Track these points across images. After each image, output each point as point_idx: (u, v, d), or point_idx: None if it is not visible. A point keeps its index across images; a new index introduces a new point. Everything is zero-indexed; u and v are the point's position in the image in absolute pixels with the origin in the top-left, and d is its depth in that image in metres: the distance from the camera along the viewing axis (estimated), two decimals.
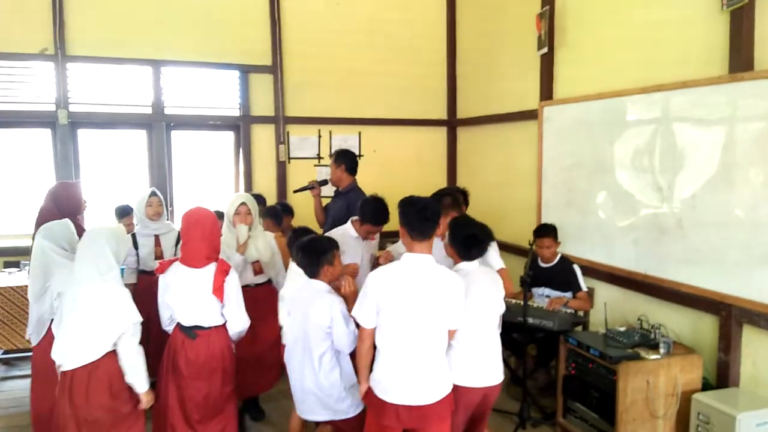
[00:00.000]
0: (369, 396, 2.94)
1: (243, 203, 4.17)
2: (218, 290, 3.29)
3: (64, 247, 3.52)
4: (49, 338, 3.36)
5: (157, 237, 4.50)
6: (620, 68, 4.56)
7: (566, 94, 5.16)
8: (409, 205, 2.97)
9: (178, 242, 4.56)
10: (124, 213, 5.34)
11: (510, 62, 6.01)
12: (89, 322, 3.01)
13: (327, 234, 3.97)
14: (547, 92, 5.36)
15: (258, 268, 4.23)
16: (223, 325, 3.41)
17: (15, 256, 5.51)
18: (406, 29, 6.83)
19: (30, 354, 5.26)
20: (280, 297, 3.69)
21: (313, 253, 3.27)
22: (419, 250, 2.91)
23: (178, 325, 3.39)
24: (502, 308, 3.34)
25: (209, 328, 3.36)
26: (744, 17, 3.61)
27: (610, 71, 4.66)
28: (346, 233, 4.05)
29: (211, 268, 3.33)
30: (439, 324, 2.89)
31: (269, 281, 4.34)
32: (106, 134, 6.22)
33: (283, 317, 3.53)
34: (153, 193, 4.52)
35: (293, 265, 3.58)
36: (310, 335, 3.18)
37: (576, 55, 5.08)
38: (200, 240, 3.32)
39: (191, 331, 3.33)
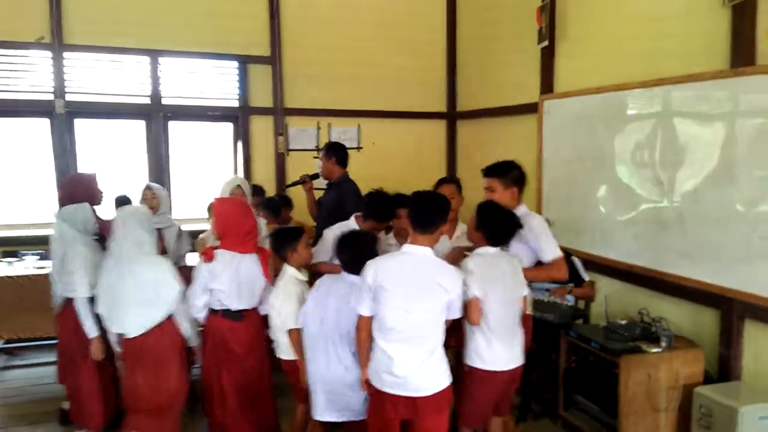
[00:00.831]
0: (370, 387, 2.98)
1: (238, 186, 4.30)
2: (267, 273, 3.58)
3: (78, 229, 3.77)
4: (64, 313, 3.79)
5: (159, 231, 4.33)
6: (621, 62, 4.56)
7: (567, 88, 5.16)
8: (417, 197, 3.02)
9: (179, 236, 4.60)
10: (122, 203, 5.29)
11: (510, 55, 6.00)
12: (144, 293, 3.39)
13: (326, 231, 4.00)
14: (547, 85, 5.36)
15: None
16: (257, 308, 3.66)
17: (14, 246, 5.48)
18: (407, 21, 6.80)
19: (31, 344, 5.36)
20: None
21: (280, 238, 3.57)
22: (420, 243, 2.92)
23: (221, 311, 3.52)
24: (526, 291, 3.34)
25: (252, 309, 3.61)
26: (746, 11, 3.62)
27: (611, 65, 4.66)
28: (348, 228, 4.04)
29: (255, 253, 3.56)
30: (435, 316, 2.90)
31: None
32: (104, 124, 6.17)
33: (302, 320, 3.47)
34: (147, 187, 4.51)
35: (289, 268, 3.57)
36: (344, 330, 3.17)
37: (577, 49, 5.08)
38: (247, 228, 3.52)
39: (238, 314, 3.52)
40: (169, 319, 3.50)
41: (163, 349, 3.48)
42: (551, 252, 3.46)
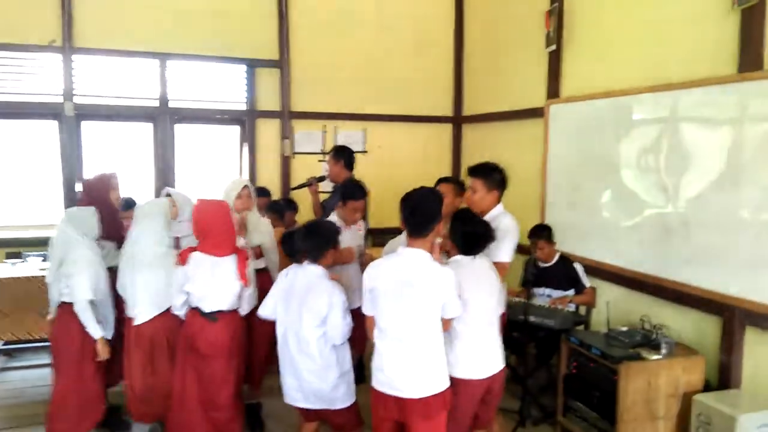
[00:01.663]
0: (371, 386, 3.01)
1: (245, 186, 4.24)
2: (244, 276, 3.52)
3: (86, 233, 3.77)
4: (59, 317, 3.77)
5: (176, 240, 4.22)
6: (628, 67, 4.53)
7: (573, 93, 5.13)
8: (404, 201, 2.99)
9: None
10: (127, 206, 5.32)
11: (517, 59, 5.98)
12: (154, 282, 3.60)
13: None
14: (554, 90, 5.33)
15: (259, 252, 4.24)
16: (236, 309, 3.61)
17: (17, 247, 5.53)
18: (413, 25, 6.80)
19: (31, 345, 5.39)
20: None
21: (321, 235, 3.38)
22: (415, 245, 2.93)
23: (197, 310, 3.51)
24: (503, 294, 3.33)
25: (229, 311, 3.54)
26: (754, 16, 3.57)
27: (618, 70, 4.63)
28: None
29: (233, 255, 3.52)
30: (427, 318, 2.88)
31: (266, 269, 4.34)
32: (112, 127, 6.23)
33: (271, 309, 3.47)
34: (167, 194, 4.28)
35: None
36: (305, 322, 3.19)
37: (584, 53, 5.05)
38: (225, 232, 3.51)
39: (213, 315, 3.49)
40: (168, 313, 3.65)
41: (158, 340, 3.68)
42: (502, 255, 3.48)
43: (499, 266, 3.40)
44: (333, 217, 4.28)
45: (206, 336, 3.48)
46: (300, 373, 3.26)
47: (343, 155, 4.95)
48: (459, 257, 3.21)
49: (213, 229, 3.49)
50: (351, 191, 4.25)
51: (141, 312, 3.66)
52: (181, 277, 3.49)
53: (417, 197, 2.98)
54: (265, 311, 3.40)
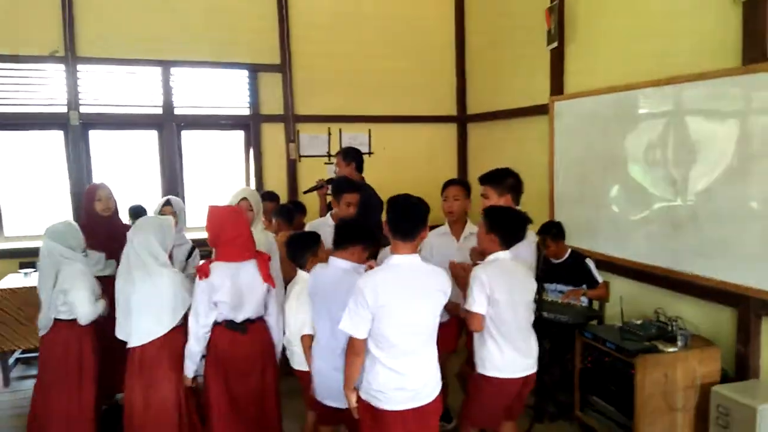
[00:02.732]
0: (366, 410, 2.82)
1: (244, 198, 4.09)
2: (268, 277, 3.45)
3: (72, 246, 3.73)
4: (53, 334, 3.72)
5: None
6: (631, 61, 4.55)
7: (577, 89, 5.15)
8: (394, 203, 2.87)
9: (190, 256, 4.42)
10: (137, 213, 5.34)
11: (519, 57, 5.99)
12: (145, 307, 3.39)
13: (307, 227, 4.12)
14: (557, 87, 5.35)
15: None
16: (263, 317, 3.54)
17: (30, 257, 5.53)
18: (415, 26, 6.83)
19: None
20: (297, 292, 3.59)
21: (297, 244, 3.54)
22: (404, 251, 2.80)
23: (224, 323, 3.39)
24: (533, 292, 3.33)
25: (256, 320, 3.48)
26: (757, 8, 3.59)
27: (621, 64, 4.65)
28: (324, 223, 4.16)
29: (253, 260, 3.46)
30: (434, 323, 2.86)
31: None
32: (118, 135, 6.25)
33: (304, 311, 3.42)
34: (167, 202, 4.33)
35: (304, 274, 3.53)
36: (334, 318, 3.00)
37: (586, 49, 5.06)
38: (240, 236, 3.42)
39: (242, 326, 3.41)
40: (175, 332, 3.46)
41: (161, 361, 3.43)
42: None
43: None
44: (326, 217, 4.23)
45: (240, 350, 3.41)
46: (331, 373, 3.13)
47: (354, 157, 4.90)
48: (498, 254, 3.20)
49: (228, 235, 3.40)
50: (341, 185, 4.19)
51: (137, 336, 3.43)
52: (206, 291, 3.33)
53: (406, 200, 2.88)
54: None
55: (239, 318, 3.41)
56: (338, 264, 3.15)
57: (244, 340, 3.41)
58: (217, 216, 3.47)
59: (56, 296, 3.66)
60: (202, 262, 3.53)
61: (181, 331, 3.48)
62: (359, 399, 2.85)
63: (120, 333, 3.49)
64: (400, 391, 2.74)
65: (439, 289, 2.84)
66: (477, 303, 3.10)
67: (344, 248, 3.17)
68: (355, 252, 3.17)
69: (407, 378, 2.75)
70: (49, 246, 3.70)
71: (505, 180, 3.67)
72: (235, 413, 3.44)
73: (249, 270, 3.42)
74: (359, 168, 4.92)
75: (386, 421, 2.76)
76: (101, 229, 4.10)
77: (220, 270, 3.35)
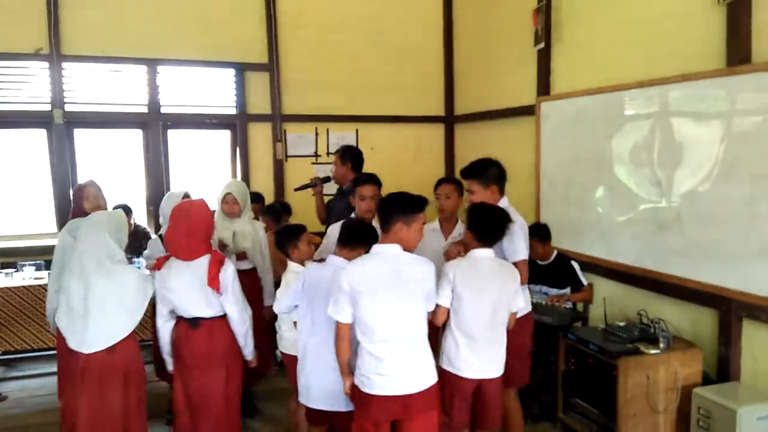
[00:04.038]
0: (355, 394, 2.92)
1: (228, 194, 4.21)
2: (213, 281, 3.29)
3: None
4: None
5: None
6: (617, 63, 4.55)
7: (563, 90, 5.15)
8: (383, 199, 3.13)
9: None
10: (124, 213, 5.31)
11: (507, 58, 5.99)
12: (105, 308, 3.20)
13: (330, 228, 3.96)
14: (544, 88, 5.35)
15: (241, 254, 4.26)
16: (224, 317, 3.41)
17: (12, 257, 5.49)
18: (403, 26, 6.80)
19: (28, 355, 5.36)
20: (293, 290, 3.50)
21: (282, 234, 3.64)
22: (385, 241, 2.95)
23: (180, 317, 3.41)
24: (520, 299, 3.29)
25: (211, 318, 3.37)
26: (741, 10, 3.60)
27: (608, 66, 4.65)
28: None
29: (205, 259, 3.33)
30: (419, 311, 2.89)
31: (254, 269, 4.35)
32: (102, 134, 6.20)
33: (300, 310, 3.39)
34: (186, 195, 4.25)
35: (293, 264, 3.59)
36: (325, 314, 3.04)
37: (573, 50, 5.07)
38: (185, 234, 3.33)
39: (193, 322, 3.36)
40: (127, 339, 3.28)
41: (112, 371, 3.24)
42: (519, 253, 3.42)
43: (520, 265, 3.36)
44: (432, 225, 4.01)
45: (191, 345, 3.36)
46: (326, 369, 3.12)
47: (351, 157, 4.73)
48: (476, 251, 3.20)
49: (175, 232, 3.37)
50: (357, 180, 4.06)
51: (90, 342, 3.21)
52: (158, 283, 3.36)
53: (388, 195, 3.09)
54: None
55: (187, 315, 3.38)
56: (335, 262, 3.16)
57: (197, 336, 3.36)
58: (173, 213, 3.44)
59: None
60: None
61: (134, 336, 3.35)
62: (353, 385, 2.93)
63: (72, 342, 3.24)
64: (379, 377, 2.81)
65: (419, 277, 2.88)
66: (441, 296, 3.11)
67: (350, 247, 3.20)
68: (358, 253, 3.15)
69: (385, 363, 2.81)
70: (65, 240, 3.69)
71: (488, 170, 3.59)
72: (190, 408, 3.43)
73: (199, 270, 3.31)
74: (356, 168, 4.73)
75: (369, 406, 2.84)
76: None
77: (170, 265, 3.37)
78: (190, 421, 3.44)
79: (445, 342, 3.20)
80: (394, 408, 2.83)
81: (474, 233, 3.23)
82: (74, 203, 4.13)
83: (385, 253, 2.90)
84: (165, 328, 3.45)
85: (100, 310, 3.20)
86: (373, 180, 3.99)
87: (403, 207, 2.93)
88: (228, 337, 3.43)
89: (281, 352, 3.68)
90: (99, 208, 4.11)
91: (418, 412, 2.85)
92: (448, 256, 3.46)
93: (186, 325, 3.38)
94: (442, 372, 3.15)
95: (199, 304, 3.35)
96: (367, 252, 3.06)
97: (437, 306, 3.12)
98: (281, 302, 3.40)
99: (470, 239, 3.26)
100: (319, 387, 3.17)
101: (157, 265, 3.41)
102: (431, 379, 2.90)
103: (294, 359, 3.39)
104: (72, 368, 3.25)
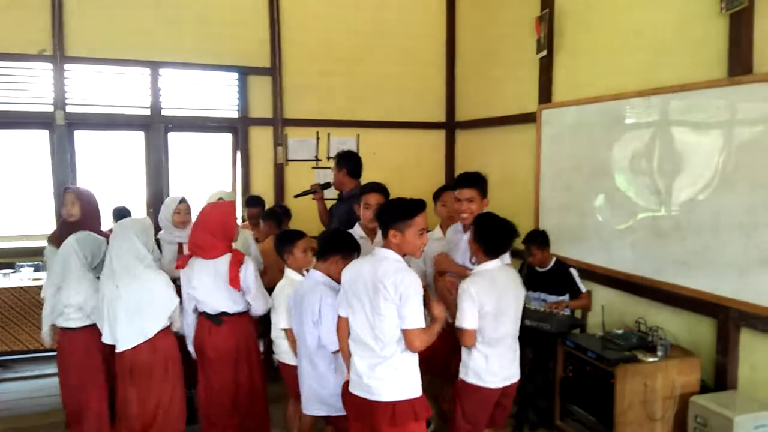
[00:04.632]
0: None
1: (220, 198, 4.28)
2: (234, 281, 3.50)
3: (86, 256, 3.73)
4: (66, 337, 3.73)
5: (180, 245, 4.26)
6: (619, 71, 4.57)
7: (565, 97, 5.16)
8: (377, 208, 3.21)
9: None
10: (121, 215, 5.29)
11: (509, 65, 6.01)
12: (137, 307, 3.41)
13: None
14: (545, 95, 5.36)
15: None
16: (247, 312, 3.65)
17: (10, 258, 5.49)
18: (406, 32, 6.82)
19: (25, 356, 5.35)
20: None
21: (279, 241, 3.65)
22: (384, 247, 2.97)
23: (204, 313, 3.59)
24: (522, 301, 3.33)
25: (234, 314, 3.58)
26: (743, 20, 3.61)
27: (609, 74, 4.67)
28: (354, 235, 4.05)
29: (226, 258, 3.52)
30: (385, 319, 2.80)
31: None
32: (104, 135, 6.21)
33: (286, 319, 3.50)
34: (182, 200, 4.29)
35: (288, 271, 3.64)
36: (305, 327, 3.22)
37: (575, 58, 5.08)
38: (203, 232, 3.55)
39: (217, 318, 3.55)
40: (163, 333, 3.53)
41: (155, 364, 3.49)
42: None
43: None
44: (355, 229, 3.99)
45: (212, 340, 3.55)
46: (304, 379, 3.30)
47: (346, 162, 4.68)
48: (485, 265, 3.20)
49: (197, 231, 3.59)
50: (364, 189, 4.07)
51: (127, 339, 3.47)
52: (183, 281, 3.56)
53: (380, 205, 3.26)
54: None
55: (211, 311, 3.57)
56: (314, 276, 3.29)
57: (218, 332, 3.55)
58: (200, 213, 3.67)
59: (68, 305, 3.67)
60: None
61: (169, 331, 3.58)
62: None
63: (107, 338, 3.52)
64: (353, 374, 2.94)
65: (384, 287, 2.80)
66: (468, 319, 3.09)
67: (322, 259, 3.30)
68: (334, 261, 3.27)
69: (353, 363, 2.93)
70: (72, 246, 3.71)
71: (483, 182, 3.69)
72: (209, 405, 3.61)
73: (220, 268, 3.52)
74: (352, 174, 4.69)
75: (345, 403, 3.03)
76: (65, 234, 3.93)
77: (194, 264, 3.57)
78: (215, 413, 3.59)
79: (470, 357, 3.17)
80: (363, 410, 2.87)
81: (482, 246, 3.21)
82: (95, 212, 4.20)
83: (375, 256, 2.92)
84: (191, 326, 3.66)
85: (128, 313, 3.42)
86: (379, 189, 3.98)
87: (393, 214, 2.93)
88: (247, 333, 3.65)
89: (277, 360, 3.69)
90: (72, 216, 4.09)
91: (385, 424, 2.80)
92: (441, 289, 3.54)
93: (208, 322, 3.56)
94: (463, 384, 3.19)
95: (222, 301, 3.54)
96: (345, 258, 3.21)
97: (465, 330, 3.08)
98: (281, 316, 3.49)
99: (477, 251, 3.25)
100: (308, 394, 3.28)
101: (180, 264, 3.60)
102: (401, 393, 2.83)
103: (289, 367, 3.52)
104: (119, 367, 3.52)
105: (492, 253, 3.22)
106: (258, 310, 3.66)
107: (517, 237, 3.32)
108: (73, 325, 3.69)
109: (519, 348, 3.31)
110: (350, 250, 3.33)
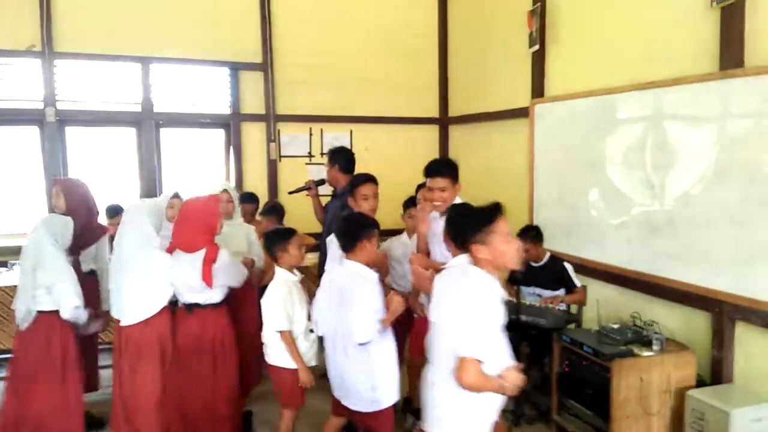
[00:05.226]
0: None
1: (225, 190, 4.26)
2: (206, 277, 3.46)
3: (56, 238, 3.67)
4: (35, 326, 3.62)
5: None
6: (611, 65, 4.57)
7: (558, 92, 5.16)
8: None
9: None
10: (114, 212, 5.26)
11: (501, 60, 6.00)
12: (140, 284, 3.49)
13: (328, 239, 3.86)
14: (538, 90, 5.36)
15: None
16: (221, 306, 3.63)
17: (3, 256, 5.44)
18: (398, 27, 6.81)
19: None
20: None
21: (271, 239, 3.59)
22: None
23: (179, 303, 3.63)
24: None
25: (205, 306, 3.56)
26: (734, 14, 3.62)
27: (602, 68, 4.67)
28: (401, 241, 4.15)
29: (202, 253, 3.48)
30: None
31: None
32: (95, 132, 6.16)
33: (318, 308, 3.43)
34: (175, 195, 4.22)
35: (281, 271, 3.59)
36: (344, 317, 3.17)
37: (567, 53, 5.08)
38: (184, 226, 3.55)
39: (189, 307, 3.57)
40: (161, 315, 3.55)
41: (148, 342, 3.53)
42: None
43: None
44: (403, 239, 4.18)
45: (184, 329, 3.57)
46: (338, 370, 3.29)
47: (338, 159, 4.67)
48: (456, 259, 3.01)
49: (178, 224, 3.60)
50: (357, 180, 4.09)
51: (127, 315, 3.54)
52: (167, 267, 3.55)
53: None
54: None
55: (185, 300, 3.59)
56: (349, 266, 3.25)
57: (191, 320, 3.56)
58: (182, 206, 3.68)
59: (38, 287, 3.58)
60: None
61: (167, 312, 3.59)
62: None
63: (114, 312, 3.61)
64: None
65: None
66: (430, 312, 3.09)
67: (350, 250, 3.25)
68: (361, 248, 3.22)
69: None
70: (37, 232, 3.66)
71: (454, 168, 3.66)
72: (181, 393, 3.59)
73: (196, 262, 3.48)
74: (345, 169, 4.65)
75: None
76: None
77: (176, 253, 3.57)
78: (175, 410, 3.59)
79: None
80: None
81: (451, 237, 2.93)
82: (81, 199, 4.07)
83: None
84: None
85: (129, 290, 3.50)
86: (372, 179, 4.05)
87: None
88: (220, 327, 3.61)
89: (268, 365, 3.59)
90: (58, 209, 4.03)
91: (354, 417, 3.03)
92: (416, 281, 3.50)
93: (183, 310, 3.58)
94: None
95: (194, 293, 3.53)
96: (368, 240, 3.25)
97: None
98: (280, 318, 3.44)
99: (449, 243, 3.03)
100: (342, 387, 3.33)
101: (170, 250, 3.61)
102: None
103: (278, 370, 3.51)
104: (116, 340, 3.61)
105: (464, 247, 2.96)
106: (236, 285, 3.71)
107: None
108: (42, 308, 3.60)
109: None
110: (370, 230, 3.25)
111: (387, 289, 2.97)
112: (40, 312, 3.61)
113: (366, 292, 3.11)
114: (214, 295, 3.57)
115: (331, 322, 3.27)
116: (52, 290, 3.57)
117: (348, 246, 3.23)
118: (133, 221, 3.59)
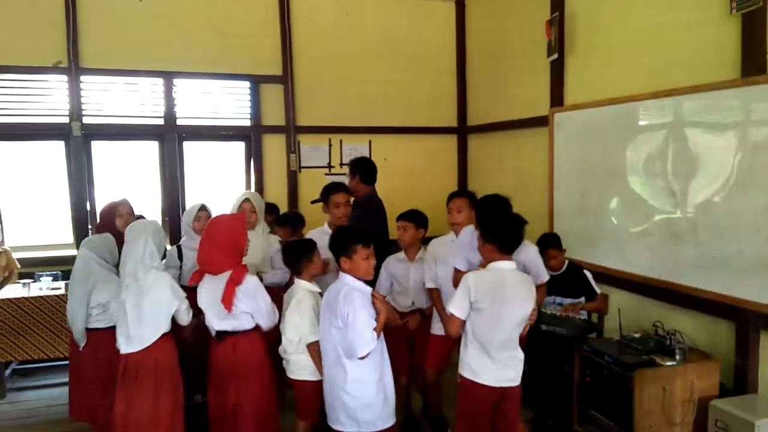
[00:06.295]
0: None
1: (247, 200, 4.23)
2: (226, 300, 3.30)
3: (106, 258, 3.74)
4: (89, 345, 3.69)
5: None
6: (631, 73, 4.55)
7: (577, 100, 5.15)
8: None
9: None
10: None
11: (520, 69, 6.00)
12: (139, 312, 3.33)
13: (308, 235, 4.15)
14: (557, 98, 5.35)
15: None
16: (254, 332, 3.44)
17: (30, 268, 5.55)
18: (416, 37, 6.85)
19: (44, 365, 5.39)
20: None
21: (291, 251, 3.56)
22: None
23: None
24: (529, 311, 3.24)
25: (234, 333, 3.40)
26: (755, 21, 3.59)
27: (621, 76, 4.65)
28: (323, 231, 4.17)
29: (226, 273, 3.34)
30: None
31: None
32: (119, 146, 6.27)
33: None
34: (202, 207, 4.30)
35: (303, 282, 3.55)
36: (336, 332, 3.12)
37: (586, 61, 5.07)
38: (209, 247, 3.40)
39: (219, 335, 3.42)
40: (162, 340, 3.40)
41: (150, 370, 3.36)
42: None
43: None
44: (324, 227, 4.29)
45: (216, 355, 3.44)
46: (335, 390, 3.17)
47: (359, 169, 4.76)
48: (498, 264, 3.15)
49: (202, 244, 3.45)
50: (327, 189, 4.41)
51: (123, 342, 3.40)
52: (198, 294, 3.49)
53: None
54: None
55: (214, 327, 3.45)
56: (344, 280, 3.19)
57: (221, 347, 3.42)
58: (207, 225, 3.59)
59: (88, 307, 3.65)
60: None
61: (170, 338, 3.45)
62: None
63: (119, 341, 3.43)
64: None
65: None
66: (455, 304, 3.13)
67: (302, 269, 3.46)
68: (355, 257, 3.16)
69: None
70: (85, 254, 3.71)
71: (475, 196, 3.98)
72: (216, 419, 3.49)
73: (219, 285, 3.35)
74: (365, 180, 4.75)
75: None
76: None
77: (204, 278, 3.46)
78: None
79: (465, 350, 3.20)
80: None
81: (494, 243, 3.15)
82: (104, 219, 4.16)
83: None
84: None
85: (135, 314, 3.34)
86: (343, 187, 4.45)
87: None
88: (253, 352, 3.43)
89: (289, 378, 3.55)
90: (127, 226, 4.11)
91: None
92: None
93: (214, 339, 3.47)
94: (461, 379, 3.22)
95: (221, 319, 3.38)
96: (365, 247, 3.20)
97: (452, 317, 3.13)
98: (308, 330, 3.40)
99: (488, 252, 3.19)
100: (334, 406, 3.21)
101: (193, 280, 3.48)
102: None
103: (304, 384, 3.45)
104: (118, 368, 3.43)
105: (506, 248, 3.16)
106: (263, 325, 3.48)
107: (524, 224, 3.29)
108: (100, 326, 3.67)
109: (522, 356, 3.26)
110: (359, 242, 3.16)
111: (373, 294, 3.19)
112: (96, 329, 3.67)
113: (357, 306, 3.05)
114: (243, 323, 3.40)
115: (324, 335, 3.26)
116: (108, 308, 3.65)
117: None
118: (136, 243, 3.43)
